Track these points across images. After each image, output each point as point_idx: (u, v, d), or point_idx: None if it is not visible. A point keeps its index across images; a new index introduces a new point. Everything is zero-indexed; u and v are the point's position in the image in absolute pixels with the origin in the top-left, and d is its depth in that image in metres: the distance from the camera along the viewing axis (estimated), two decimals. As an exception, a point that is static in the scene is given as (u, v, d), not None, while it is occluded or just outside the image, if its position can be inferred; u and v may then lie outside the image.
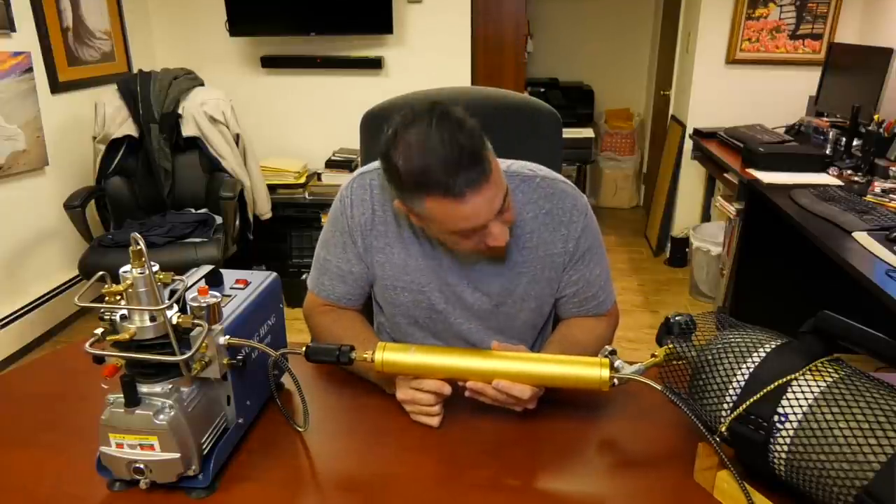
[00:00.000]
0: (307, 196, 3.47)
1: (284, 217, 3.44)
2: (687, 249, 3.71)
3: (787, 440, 0.75)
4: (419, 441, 0.96)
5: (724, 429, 0.79)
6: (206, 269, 0.95)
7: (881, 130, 2.59)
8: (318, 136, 3.76)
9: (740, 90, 3.56)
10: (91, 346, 0.79)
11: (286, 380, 1.09)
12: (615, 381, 0.90)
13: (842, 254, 1.80)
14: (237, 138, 3.10)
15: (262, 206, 3.29)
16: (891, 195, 2.23)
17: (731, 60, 3.54)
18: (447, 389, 0.96)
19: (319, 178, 3.56)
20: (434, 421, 0.97)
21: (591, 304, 1.20)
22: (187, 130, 2.98)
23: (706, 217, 3.80)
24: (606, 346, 0.94)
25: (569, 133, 3.19)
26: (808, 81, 3.30)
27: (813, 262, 2.46)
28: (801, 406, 0.74)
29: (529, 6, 3.91)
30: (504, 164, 1.10)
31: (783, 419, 0.75)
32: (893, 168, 2.47)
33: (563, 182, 1.17)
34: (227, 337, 0.85)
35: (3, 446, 0.95)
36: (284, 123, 3.83)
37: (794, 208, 2.20)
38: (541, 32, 4.93)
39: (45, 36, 2.94)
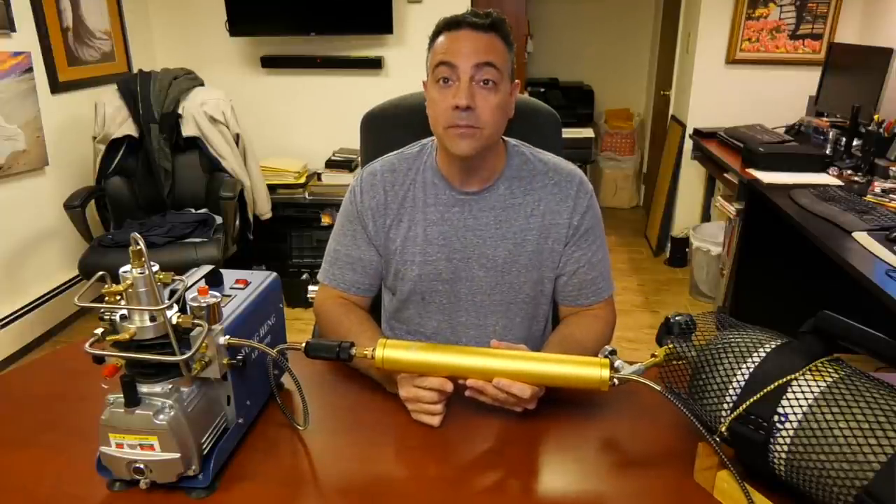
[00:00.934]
0: (307, 196, 3.47)
1: (284, 217, 3.44)
2: (687, 249, 3.71)
3: (787, 440, 0.75)
4: (419, 440, 0.96)
5: (724, 429, 0.79)
6: (206, 269, 0.95)
7: (881, 130, 2.59)
8: (318, 136, 3.76)
9: (740, 90, 3.55)
10: (91, 346, 0.79)
11: (286, 379, 1.09)
12: (615, 381, 0.90)
13: (842, 254, 1.80)
14: (237, 138, 3.10)
15: (262, 206, 3.29)
16: (891, 195, 2.23)
17: (731, 60, 3.54)
18: (449, 386, 0.96)
19: (319, 178, 3.56)
20: (435, 420, 0.97)
21: (589, 289, 1.22)
22: (187, 130, 2.98)
23: (706, 217, 3.80)
24: (606, 346, 0.94)
25: (569, 133, 3.18)
26: (808, 81, 3.30)
27: (813, 262, 2.46)
28: (801, 406, 0.74)
29: (529, 6, 3.91)
30: (516, 142, 1.25)
31: (783, 419, 0.75)
32: (893, 168, 2.47)
33: (573, 167, 1.25)
34: (227, 337, 0.85)
35: (3, 446, 0.95)
36: (284, 123, 3.83)
37: (794, 208, 2.20)
38: (541, 32, 4.93)
39: (45, 36, 2.93)
